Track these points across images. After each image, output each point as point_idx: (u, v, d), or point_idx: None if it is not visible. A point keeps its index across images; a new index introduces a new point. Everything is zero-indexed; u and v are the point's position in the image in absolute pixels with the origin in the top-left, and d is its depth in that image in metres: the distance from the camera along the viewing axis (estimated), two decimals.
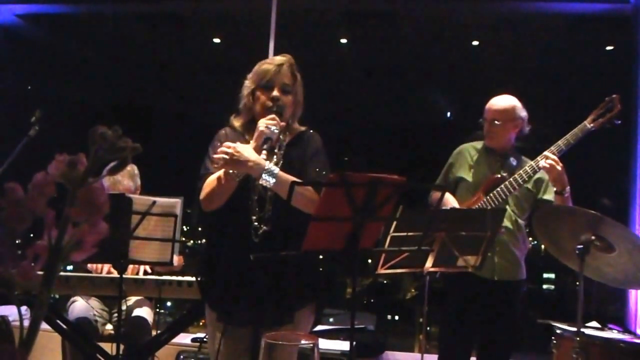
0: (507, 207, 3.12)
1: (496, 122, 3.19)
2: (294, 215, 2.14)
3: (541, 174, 3.15)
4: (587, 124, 3.06)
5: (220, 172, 2.22)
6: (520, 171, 3.09)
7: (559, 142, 3.06)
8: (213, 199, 2.25)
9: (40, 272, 0.65)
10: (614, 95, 3.11)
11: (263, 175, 2.14)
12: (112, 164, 0.72)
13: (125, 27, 6.51)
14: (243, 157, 2.13)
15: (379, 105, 8.17)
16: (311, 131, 2.45)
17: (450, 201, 3.18)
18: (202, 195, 2.26)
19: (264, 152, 2.18)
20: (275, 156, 2.30)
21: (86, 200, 0.60)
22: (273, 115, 2.24)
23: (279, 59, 2.37)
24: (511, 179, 3.09)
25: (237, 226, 2.27)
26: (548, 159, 2.99)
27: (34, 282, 0.62)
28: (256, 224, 2.25)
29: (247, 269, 2.19)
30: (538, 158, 3.06)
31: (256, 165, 2.14)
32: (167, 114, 8.83)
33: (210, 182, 2.25)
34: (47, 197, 0.61)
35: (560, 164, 2.98)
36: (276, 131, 2.21)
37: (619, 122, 3.10)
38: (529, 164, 3.10)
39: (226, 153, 2.14)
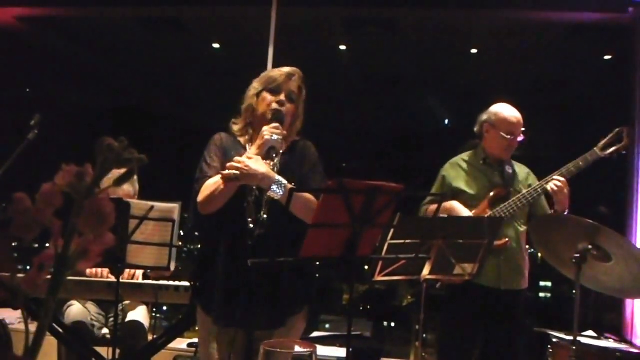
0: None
1: (520, 135, 3.20)
2: (290, 219, 2.17)
3: (532, 180, 3.23)
4: (598, 151, 3.11)
5: (220, 177, 2.23)
6: (530, 189, 3.12)
7: (570, 165, 3.09)
8: (211, 202, 2.25)
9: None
10: (623, 128, 3.17)
11: (272, 187, 2.16)
12: (113, 172, 0.72)
13: (125, 31, 6.51)
14: (252, 170, 2.15)
15: (377, 112, 8.18)
16: (304, 141, 2.46)
17: (460, 210, 3.15)
18: (201, 198, 2.27)
19: (271, 162, 2.20)
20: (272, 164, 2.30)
21: (93, 211, 0.61)
22: (277, 124, 2.25)
23: (290, 69, 2.40)
24: (520, 196, 3.11)
25: (232, 228, 2.27)
26: (558, 182, 3.03)
27: (40, 290, 0.62)
28: (252, 226, 2.24)
29: (242, 271, 2.18)
30: (547, 178, 3.09)
31: (266, 178, 2.16)
32: (166, 118, 8.83)
33: (209, 185, 2.25)
34: (54, 208, 0.61)
35: (567, 188, 3.02)
36: (280, 140, 2.23)
37: (624, 152, 3.19)
38: (537, 184, 3.13)
39: (236, 168, 2.16)
